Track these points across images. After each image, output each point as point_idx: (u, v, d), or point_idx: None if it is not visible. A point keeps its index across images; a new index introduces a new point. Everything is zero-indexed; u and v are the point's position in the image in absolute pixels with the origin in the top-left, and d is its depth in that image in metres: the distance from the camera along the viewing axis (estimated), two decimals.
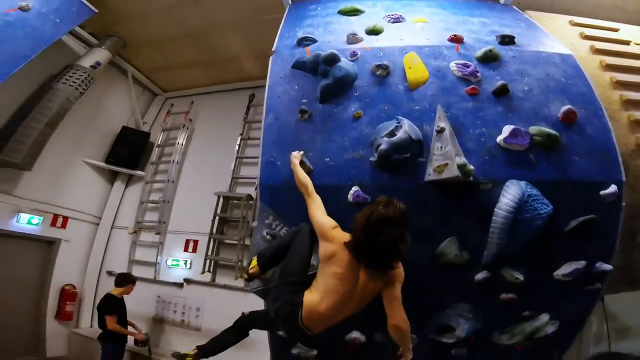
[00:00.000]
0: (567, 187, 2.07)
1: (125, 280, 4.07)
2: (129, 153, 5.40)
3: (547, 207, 2.01)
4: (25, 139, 3.77)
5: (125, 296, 4.04)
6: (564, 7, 2.85)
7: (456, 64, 2.36)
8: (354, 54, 2.47)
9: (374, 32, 2.61)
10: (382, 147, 2.10)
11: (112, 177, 5.57)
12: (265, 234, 2.27)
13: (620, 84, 2.38)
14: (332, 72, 2.35)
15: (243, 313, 2.34)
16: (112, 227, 5.38)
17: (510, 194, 2.00)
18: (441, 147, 2.11)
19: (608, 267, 2.08)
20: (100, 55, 4.69)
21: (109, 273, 5.04)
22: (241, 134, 5.13)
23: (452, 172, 1.99)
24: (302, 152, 2.21)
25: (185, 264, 4.83)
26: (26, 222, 4.29)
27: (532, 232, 2.00)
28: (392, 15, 2.74)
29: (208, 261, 4.51)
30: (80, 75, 4.33)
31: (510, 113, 2.23)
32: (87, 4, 4.02)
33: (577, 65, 2.36)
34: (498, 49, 2.40)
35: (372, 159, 2.18)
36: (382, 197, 1.82)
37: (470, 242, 2.11)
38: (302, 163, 2.17)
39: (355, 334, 2.31)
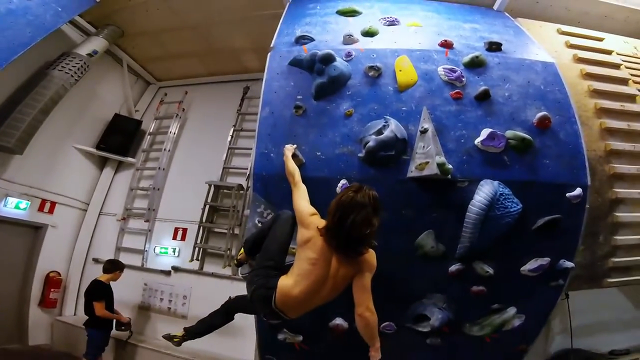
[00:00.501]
0: (537, 188, 2.24)
1: (114, 266, 4.11)
2: (120, 140, 5.37)
3: (517, 206, 2.19)
4: (18, 123, 3.76)
5: (112, 283, 4.06)
6: (555, 15, 2.98)
7: (444, 68, 2.50)
8: (348, 54, 2.59)
9: (369, 34, 2.72)
10: (370, 144, 2.24)
11: (102, 163, 5.54)
12: (256, 222, 2.38)
13: (596, 92, 2.54)
14: (327, 71, 2.47)
15: (230, 297, 2.45)
16: (99, 214, 5.36)
17: (484, 192, 2.17)
18: (423, 147, 2.26)
19: (570, 264, 2.26)
20: (98, 44, 4.68)
21: (95, 260, 5.04)
22: (234, 125, 5.17)
23: (431, 169, 2.14)
24: (295, 145, 2.32)
25: (174, 251, 4.85)
26: (14, 207, 4.25)
27: (502, 228, 2.17)
28: (388, 18, 2.86)
29: (197, 249, 4.54)
30: (77, 64, 4.32)
31: (489, 117, 2.38)
32: None
33: (557, 73, 2.52)
34: (485, 55, 2.55)
35: (360, 154, 2.31)
36: (355, 183, 1.96)
37: (445, 236, 2.26)
38: (294, 156, 2.28)
39: (339, 321, 2.42)
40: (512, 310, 2.36)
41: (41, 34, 3.33)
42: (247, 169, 4.75)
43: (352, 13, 2.92)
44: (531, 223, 2.24)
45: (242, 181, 4.74)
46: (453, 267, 2.29)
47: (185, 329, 2.48)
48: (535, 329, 2.44)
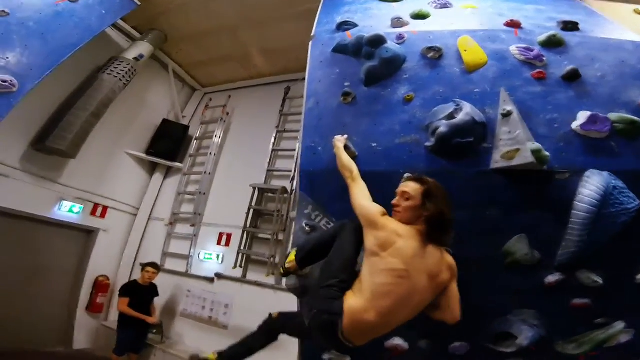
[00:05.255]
0: None
1: (143, 266, 3.91)
2: (168, 145, 5.24)
3: (635, 202, 1.62)
4: (71, 127, 3.67)
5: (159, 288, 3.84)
6: None
7: (517, 47, 2.02)
8: (400, 36, 2.18)
9: (420, 16, 2.32)
10: (442, 129, 1.78)
11: (151, 168, 5.41)
12: (304, 225, 1.98)
13: None
14: (378, 53, 2.09)
15: (270, 315, 1.94)
16: (149, 219, 5.20)
17: (593, 185, 1.62)
18: (509, 132, 1.76)
19: None
20: (143, 48, 4.59)
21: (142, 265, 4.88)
22: (277, 127, 4.85)
23: (525, 158, 1.64)
24: (345, 136, 1.93)
25: (218, 257, 4.52)
26: (67, 210, 4.16)
27: (616, 228, 1.61)
28: (438, 1, 2.44)
29: (240, 255, 4.19)
30: (125, 67, 4.23)
31: (584, 99, 1.86)
32: None
33: None
34: (561, 34, 2.05)
35: (428, 143, 1.86)
36: (409, 174, 1.65)
37: (542, 240, 1.72)
38: (346, 148, 1.89)
39: (398, 341, 1.94)
40: (619, 325, 1.78)
41: (88, 35, 3.24)
42: (291, 171, 4.40)
43: None
44: None
45: (287, 184, 4.35)
46: (551, 278, 1.73)
47: (219, 353, 1.95)
48: None
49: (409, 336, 1.93)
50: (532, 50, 1.99)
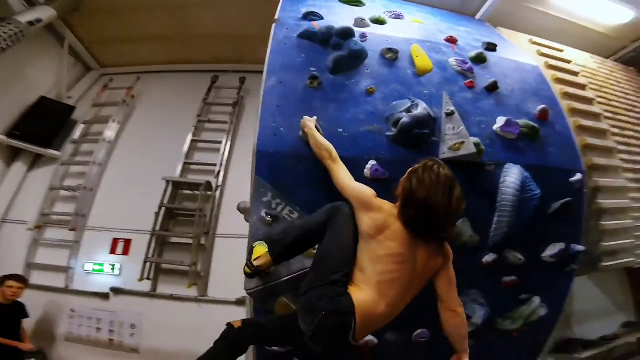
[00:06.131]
0: (548, 173, 2.19)
1: (1, 280, 2.99)
2: (42, 128, 4.04)
3: (538, 190, 2.10)
4: None
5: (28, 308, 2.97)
6: (523, 28, 3.23)
7: (455, 59, 2.40)
8: (364, 35, 2.32)
9: (378, 21, 2.52)
10: (405, 120, 1.95)
11: (11, 155, 4.09)
12: (264, 215, 1.81)
13: (567, 95, 2.70)
14: (347, 45, 2.19)
15: (230, 325, 1.63)
16: (1, 221, 3.90)
17: (514, 173, 2.03)
18: (454, 128, 2.05)
19: (581, 247, 2.22)
20: (44, 13, 3.61)
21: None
22: (199, 115, 4.35)
23: (469, 149, 1.92)
24: (315, 118, 1.89)
25: (113, 268, 3.72)
26: None
27: (530, 212, 2.05)
28: (393, 12, 2.71)
29: (148, 265, 3.52)
30: (10, 30, 3.21)
31: (500, 106, 2.31)
32: None
33: (543, 75, 2.63)
34: (485, 53, 2.53)
35: (389, 133, 2.00)
36: (425, 160, 1.50)
37: (479, 223, 2.03)
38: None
39: (367, 336, 1.91)
40: (537, 300, 2.20)
41: None
42: (215, 165, 4.01)
43: (357, 3, 2.70)
44: (547, 208, 2.17)
45: (211, 179, 3.91)
46: (489, 257, 2.04)
47: None
48: (555, 317, 2.30)
49: (377, 330, 1.92)
50: (466, 63, 2.38)
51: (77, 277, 3.71)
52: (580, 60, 3.23)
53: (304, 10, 2.42)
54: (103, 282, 3.69)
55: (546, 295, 2.23)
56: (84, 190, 3.97)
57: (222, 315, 3.19)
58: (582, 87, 2.93)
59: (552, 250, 2.16)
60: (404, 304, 1.40)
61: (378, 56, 2.26)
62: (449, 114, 2.11)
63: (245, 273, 1.65)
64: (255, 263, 1.60)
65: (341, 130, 1.97)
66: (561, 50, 3.11)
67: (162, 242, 3.74)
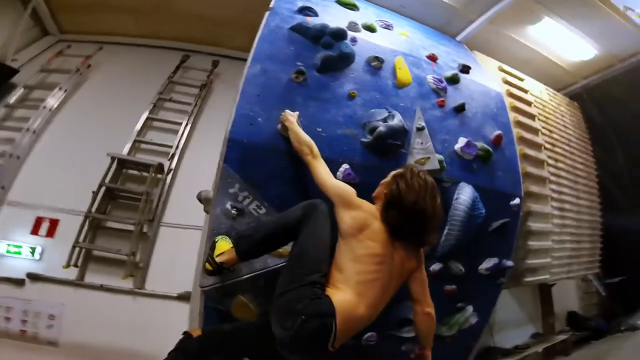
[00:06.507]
0: (493, 195, 2.47)
1: None
2: None
3: (484, 209, 2.37)
4: None
5: None
6: (496, 54, 3.47)
7: (433, 77, 2.56)
8: (354, 39, 2.39)
9: (370, 28, 2.59)
10: (381, 129, 2.07)
11: None
12: (229, 207, 1.77)
13: (518, 123, 3.00)
14: (338, 46, 2.24)
15: (188, 334, 1.53)
16: None
17: (467, 192, 2.27)
18: (422, 143, 2.23)
19: (510, 263, 2.54)
20: None
21: None
22: (160, 93, 4.07)
23: (434, 165, 2.13)
24: (297, 113, 1.92)
25: (33, 252, 3.28)
26: None
27: (475, 228, 2.31)
28: (384, 21, 2.78)
29: (77, 250, 3.17)
30: None
31: (463, 127, 2.52)
32: None
33: (503, 101, 2.88)
34: (459, 74, 2.72)
35: (364, 139, 2.11)
36: (410, 166, 1.65)
37: None
38: None
39: None
40: (470, 309, 2.46)
41: None
42: (170, 146, 3.78)
43: (352, 7, 2.73)
44: (487, 225, 2.44)
45: (163, 161, 3.66)
46: (435, 266, 2.27)
47: None
48: (483, 325, 2.58)
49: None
50: (442, 82, 2.55)
51: None
52: (536, 90, 3.57)
53: (300, 3, 2.42)
54: (20, 266, 3.25)
55: (478, 304, 2.51)
56: (9, 158, 3.43)
57: (160, 311, 3.17)
58: (532, 117, 3.26)
59: (487, 263, 2.45)
60: (382, 305, 1.41)
61: (364, 62, 2.34)
62: (420, 129, 2.28)
63: (206, 270, 1.53)
64: (218, 259, 1.49)
65: (320, 129, 2.03)
66: (522, 80, 3.41)
67: (96, 226, 3.40)
